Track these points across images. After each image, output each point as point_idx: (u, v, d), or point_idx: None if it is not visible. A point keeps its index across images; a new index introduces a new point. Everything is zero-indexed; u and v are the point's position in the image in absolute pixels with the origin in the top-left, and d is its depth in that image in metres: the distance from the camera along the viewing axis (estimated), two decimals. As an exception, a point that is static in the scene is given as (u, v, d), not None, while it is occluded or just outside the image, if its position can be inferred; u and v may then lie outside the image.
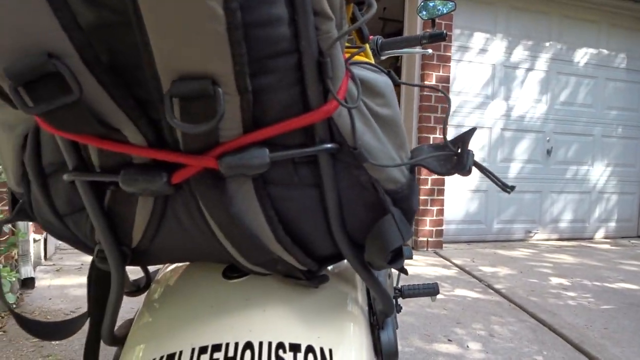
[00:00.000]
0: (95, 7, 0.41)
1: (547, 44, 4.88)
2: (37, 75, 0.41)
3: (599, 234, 5.30)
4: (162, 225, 0.59)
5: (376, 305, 0.75)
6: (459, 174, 0.57)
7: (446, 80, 4.36)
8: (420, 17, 1.44)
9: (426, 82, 4.28)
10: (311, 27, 0.45)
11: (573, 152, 5.08)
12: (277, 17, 0.43)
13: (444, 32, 1.32)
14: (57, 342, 2.05)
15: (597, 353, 2.18)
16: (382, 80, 0.57)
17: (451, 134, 4.53)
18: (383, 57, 1.39)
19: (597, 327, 2.53)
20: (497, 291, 3.12)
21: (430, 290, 1.41)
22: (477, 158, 4.67)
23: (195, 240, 0.60)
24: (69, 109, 0.44)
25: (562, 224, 5.13)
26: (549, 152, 4.95)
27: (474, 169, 0.57)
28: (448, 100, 0.60)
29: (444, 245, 4.46)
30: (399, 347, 2.16)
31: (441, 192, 4.42)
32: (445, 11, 1.43)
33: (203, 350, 0.54)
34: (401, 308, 1.43)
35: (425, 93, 4.32)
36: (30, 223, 2.79)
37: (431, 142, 4.30)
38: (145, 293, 0.77)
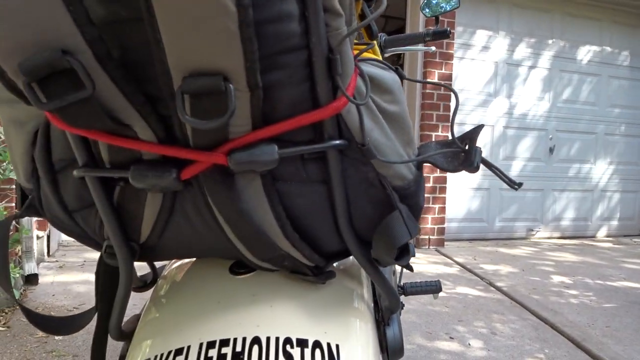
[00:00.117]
0: (107, 3, 0.42)
1: (550, 41, 4.87)
2: (50, 71, 0.42)
3: (601, 233, 5.30)
4: (170, 221, 0.59)
5: (382, 301, 0.76)
6: (466, 170, 0.57)
7: (448, 78, 4.35)
8: (423, 14, 1.44)
9: (430, 79, 4.27)
10: (321, 24, 0.45)
11: (575, 150, 5.07)
12: (287, 14, 0.43)
13: (448, 29, 1.32)
14: (60, 338, 2.06)
15: (599, 351, 2.18)
16: (390, 77, 0.57)
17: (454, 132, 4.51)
18: (386, 55, 1.39)
19: (599, 325, 2.53)
20: (499, 289, 3.12)
21: (432, 287, 1.41)
22: (479, 156, 4.64)
23: (203, 236, 0.60)
24: (82, 105, 0.44)
25: (564, 222, 5.13)
26: (551, 150, 4.94)
27: (481, 165, 0.58)
28: (456, 96, 0.60)
29: (445, 243, 4.46)
30: (401, 344, 2.16)
31: (443, 189, 4.42)
32: (448, 9, 1.43)
33: (211, 345, 0.55)
34: (403, 305, 1.43)
35: (427, 91, 4.31)
36: (34, 220, 2.80)
37: (433, 140, 4.30)
38: (152, 289, 0.77)
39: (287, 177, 0.55)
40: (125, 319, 0.72)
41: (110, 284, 0.71)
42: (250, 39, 0.41)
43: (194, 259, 0.76)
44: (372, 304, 0.74)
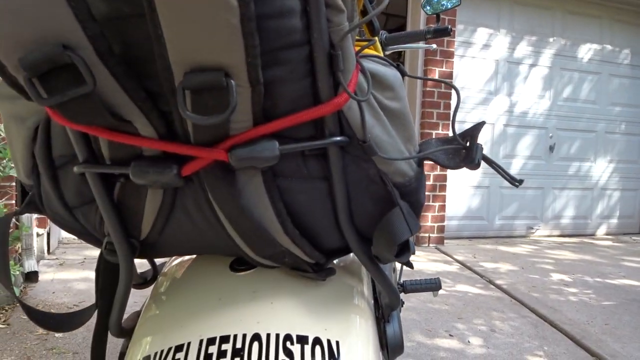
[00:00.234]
0: None
1: (551, 39, 4.87)
2: (51, 67, 0.41)
3: (601, 231, 5.30)
4: (171, 217, 0.59)
5: (382, 298, 0.76)
6: (467, 167, 0.57)
7: (449, 75, 4.35)
8: (424, 12, 1.44)
9: (431, 76, 4.27)
10: (323, 19, 0.45)
11: (576, 148, 5.07)
12: (289, 9, 0.43)
13: (449, 27, 1.31)
14: (60, 335, 2.06)
15: (598, 349, 2.18)
16: (391, 73, 0.57)
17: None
18: (387, 52, 1.38)
19: (598, 322, 2.54)
20: (499, 287, 3.12)
21: (432, 285, 1.41)
22: (479, 154, 4.65)
23: (204, 232, 0.60)
24: (82, 101, 0.44)
25: (564, 220, 5.13)
26: (551, 148, 4.94)
27: (482, 163, 0.58)
28: (457, 93, 0.60)
29: (445, 240, 4.46)
30: (401, 342, 2.16)
31: (443, 187, 4.42)
32: (449, 6, 1.42)
33: (211, 341, 0.55)
34: (403, 303, 1.43)
35: (428, 89, 4.31)
36: (34, 217, 2.80)
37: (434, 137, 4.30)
38: (152, 285, 0.77)
39: (288, 173, 0.55)
40: (126, 315, 0.72)
41: (110, 280, 0.71)
42: (252, 34, 0.41)
43: (194, 255, 0.76)
44: (372, 301, 0.74)
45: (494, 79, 4.69)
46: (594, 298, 2.96)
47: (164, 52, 0.42)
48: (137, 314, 0.74)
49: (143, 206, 0.58)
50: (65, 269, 3.06)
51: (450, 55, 4.34)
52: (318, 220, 0.58)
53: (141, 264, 0.70)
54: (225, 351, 0.53)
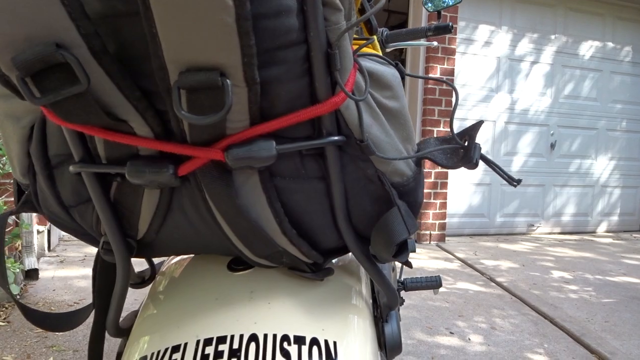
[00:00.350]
0: None
1: (553, 36, 4.85)
2: (44, 66, 0.41)
3: (602, 228, 5.30)
4: (168, 217, 0.59)
5: (380, 298, 0.75)
6: (465, 167, 0.56)
7: (451, 73, 4.34)
8: (425, 9, 1.43)
9: (430, 76, 4.26)
10: (320, 18, 0.45)
11: (577, 145, 5.06)
12: (286, 8, 0.42)
13: (450, 24, 1.30)
14: (60, 333, 2.06)
15: (598, 346, 2.18)
16: (390, 72, 0.56)
17: (455, 127, 4.50)
18: (388, 50, 1.38)
19: (598, 320, 2.54)
20: (499, 284, 3.12)
21: (432, 283, 1.41)
22: (480, 151, 4.64)
23: (201, 232, 0.60)
24: (76, 100, 0.43)
25: (565, 217, 5.12)
26: (552, 145, 4.93)
27: (480, 162, 0.57)
28: (455, 93, 0.60)
29: (446, 238, 4.46)
30: (401, 339, 2.17)
31: (444, 185, 4.42)
32: (451, 3, 1.41)
33: (208, 342, 0.55)
34: (404, 301, 1.43)
35: (429, 86, 4.30)
36: (34, 214, 2.80)
37: (435, 135, 4.30)
38: (150, 285, 0.77)
39: (285, 173, 0.54)
40: (123, 315, 0.72)
41: (107, 280, 0.70)
42: (248, 34, 0.40)
43: (192, 255, 0.76)
44: (371, 301, 0.74)
45: (496, 76, 4.68)
46: (594, 295, 2.96)
47: (159, 51, 0.41)
48: (134, 314, 0.73)
49: (140, 206, 0.57)
50: (65, 266, 3.06)
51: (452, 52, 4.33)
52: (315, 220, 0.58)
53: (141, 263, 0.70)
54: (222, 352, 0.53)
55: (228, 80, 0.42)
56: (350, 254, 0.65)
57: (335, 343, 0.56)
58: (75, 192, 0.59)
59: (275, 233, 0.57)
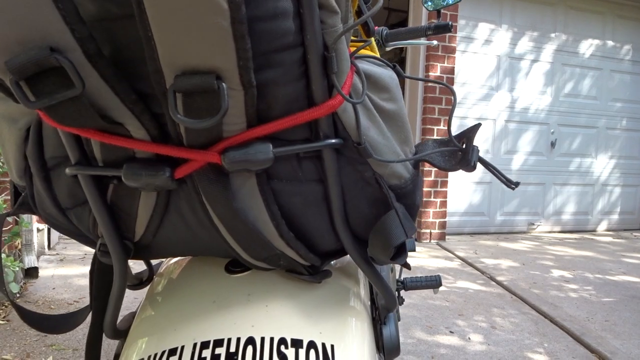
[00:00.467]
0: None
1: (553, 35, 4.84)
2: (39, 69, 0.41)
3: (602, 227, 5.30)
4: (164, 219, 0.58)
5: (378, 300, 0.75)
6: (463, 169, 0.56)
7: (451, 71, 4.33)
8: (425, 7, 1.43)
9: (430, 75, 4.26)
10: (317, 21, 0.44)
11: (577, 144, 5.06)
12: (282, 11, 0.42)
13: (449, 23, 1.30)
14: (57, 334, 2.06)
15: (598, 345, 2.18)
16: (387, 74, 0.56)
17: (455, 126, 4.51)
18: (388, 49, 1.38)
19: (598, 319, 2.53)
20: (499, 283, 3.12)
21: (432, 282, 1.41)
22: (480, 150, 4.67)
23: (198, 235, 0.60)
24: (71, 103, 0.43)
25: (565, 216, 5.12)
26: (552, 144, 4.93)
27: (478, 164, 0.57)
28: (453, 95, 0.60)
29: (447, 236, 4.46)
30: (401, 339, 2.17)
31: (444, 183, 4.42)
32: (451, 2, 1.41)
33: (205, 345, 0.54)
34: (403, 300, 1.43)
35: (429, 85, 4.30)
36: (34, 213, 2.80)
37: (435, 134, 4.30)
38: (148, 286, 0.77)
39: (282, 176, 0.54)
40: (121, 316, 0.72)
41: (104, 282, 0.70)
42: (243, 37, 0.40)
43: (190, 256, 0.76)
44: (369, 303, 0.74)
45: (496, 74, 4.67)
46: (594, 294, 2.96)
47: (155, 54, 0.41)
48: (132, 315, 0.73)
49: (137, 208, 0.57)
50: (65, 264, 3.07)
51: (452, 50, 4.33)
52: (313, 223, 0.58)
53: (140, 263, 0.70)
54: (219, 355, 0.53)
55: (224, 84, 0.42)
56: (348, 256, 0.65)
57: (332, 346, 0.56)
58: (71, 194, 0.59)
59: (273, 236, 0.57)
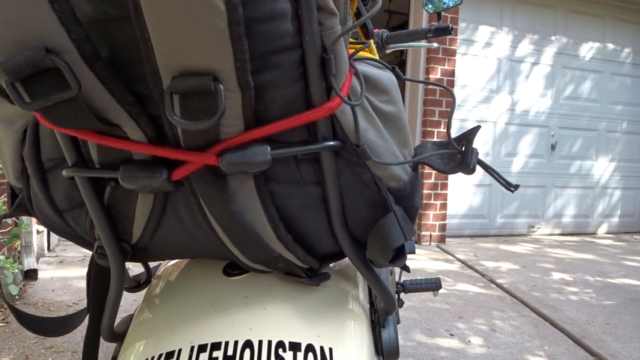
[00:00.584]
0: (94, 1, 0.41)
1: (553, 38, 4.84)
2: (34, 70, 0.41)
3: (602, 229, 5.29)
4: (162, 221, 0.58)
5: (377, 303, 0.75)
6: (463, 172, 0.56)
7: (451, 74, 4.33)
8: (426, 10, 1.43)
9: (431, 77, 4.26)
10: (315, 23, 0.44)
11: (577, 147, 5.05)
12: (280, 12, 0.42)
13: (450, 25, 1.30)
14: (54, 337, 2.05)
15: (598, 348, 2.17)
16: (386, 76, 0.56)
17: (455, 128, 4.51)
18: (388, 51, 1.38)
19: (599, 322, 2.53)
20: (499, 286, 3.11)
21: (432, 285, 1.41)
22: (481, 152, 4.66)
23: (196, 237, 0.60)
24: (67, 105, 0.43)
25: (565, 218, 5.11)
26: (553, 146, 4.92)
27: (477, 167, 0.57)
28: (453, 97, 0.59)
29: (447, 239, 4.46)
30: (401, 342, 2.16)
31: (444, 186, 4.41)
32: (451, 4, 1.41)
33: (202, 348, 0.54)
34: (403, 303, 1.42)
35: (429, 87, 4.29)
36: (33, 215, 2.79)
37: (435, 136, 4.30)
38: (146, 289, 0.76)
39: (280, 178, 0.54)
40: (119, 318, 0.71)
41: (102, 284, 0.70)
42: (240, 38, 0.40)
43: (188, 259, 0.75)
44: (368, 306, 0.73)
45: (496, 77, 4.67)
46: (594, 297, 2.95)
47: (151, 55, 0.41)
48: (129, 318, 0.73)
49: (134, 210, 0.57)
50: (65, 266, 3.06)
51: (453, 53, 4.33)
52: (311, 225, 0.57)
53: (136, 266, 0.70)
54: (217, 358, 0.53)
55: (221, 85, 0.42)
56: (347, 258, 0.65)
57: (331, 349, 0.56)
58: (68, 196, 0.59)
59: (271, 238, 0.56)
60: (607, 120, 5.13)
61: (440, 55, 4.28)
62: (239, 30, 0.39)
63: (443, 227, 4.43)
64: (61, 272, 2.93)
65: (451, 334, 2.29)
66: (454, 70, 4.35)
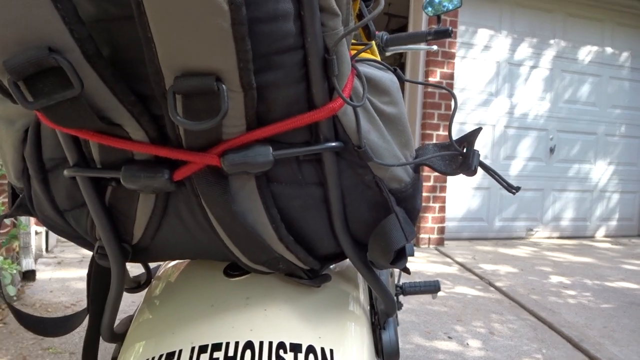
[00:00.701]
0: (97, 0, 0.41)
1: (552, 41, 4.85)
2: (37, 70, 0.40)
3: (600, 233, 5.29)
4: (163, 222, 0.58)
5: (378, 304, 0.75)
6: (464, 174, 0.56)
7: (450, 77, 4.34)
8: (425, 13, 1.43)
9: (430, 79, 4.26)
10: (317, 24, 0.44)
11: (576, 150, 5.06)
12: (283, 13, 0.42)
13: (450, 28, 1.30)
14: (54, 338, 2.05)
15: (596, 352, 2.17)
16: (388, 77, 0.56)
17: (454, 131, 4.50)
18: (388, 54, 1.38)
19: (597, 325, 2.53)
20: (498, 289, 3.11)
21: (431, 287, 1.41)
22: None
23: (197, 237, 0.60)
24: (70, 104, 0.43)
25: (564, 222, 5.12)
26: (551, 150, 4.93)
27: (478, 169, 0.57)
28: (454, 100, 0.59)
29: (445, 242, 4.46)
30: (400, 344, 2.16)
31: (443, 189, 4.41)
32: (451, 8, 1.41)
33: (203, 349, 0.54)
34: (402, 305, 1.42)
35: (429, 90, 4.30)
36: (32, 215, 2.79)
37: (434, 139, 4.30)
38: (146, 290, 0.76)
39: (282, 179, 0.54)
40: (118, 319, 0.71)
41: (102, 285, 0.70)
42: (243, 39, 0.40)
43: (188, 260, 0.75)
44: (368, 307, 0.73)
45: (495, 80, 4.68)
46: (592, 301, 2.95)
47: (154, 55, 0.41)
48: (129, 319, 0.73)
49: (135, 210, 0.57)
50: (63, 267, 3.05)
51: (452, 56, 4.33)
52: (312, 226, 0.57)
53: (136, 267, 0.69)
54: (217, 359, 0.53)
55: (224, 85, 0.42)
56: (347, 260, 0.65)
57: (332, 351, 0.56)
58: (69, 196, 0.58)
59: (272, 239, 0.56)
60: (606, 123, 5.14)
61: (439, 58, 4.29)
62: (242, 31, 0.39)
63: (442, 230, 4.43)
64: (59, 273, 2.92)
65: (449, 337, 2.29)
66: (453, 73, 4.35)
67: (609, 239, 5.22)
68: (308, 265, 0.61)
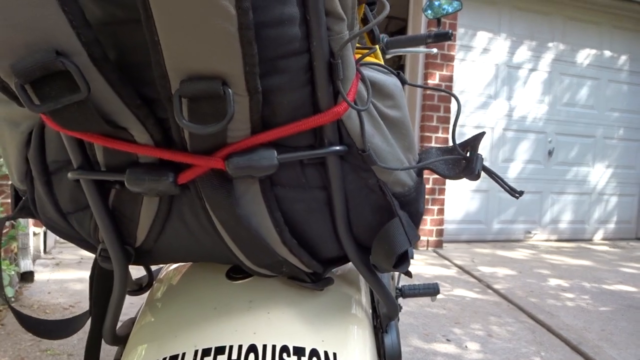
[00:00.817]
0: (104, 3, 0.41)
1: (550, 44, 4.87)
2: (44, 73, 0.40)
3: (598, 236, 5.30)
4: (167, 225, 0.58)
5: (380, 308, 0.75)
6: (467, 178, 0.56)
7: (449, 79, 4.35)
8: (425, 15, 1.43)
9: (429, 83, 4.27)
10: (323, 28, 0.44)
11: (574, 153, 5.07)
12: (289, 17, 0.42)
13: (450, 31, 1.31)
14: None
15: (595, 355, 2.18)
16: (391, 81, 0.56)
17: (452, 133, 4.51)
18: (388, 56, 1.38)
19: (595, 328, 2.53)
20: (496, 291, 3.11)
21: (430, 290, 1.41)
22: (478, 158, 4.65)
23: (200, 240, 0.59)
24: (76, 108, 0.43)
25: (562, 225, 5.13)
26: (550, 152, 4.94)
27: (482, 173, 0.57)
28: (458, 103, 0.60)
29: (444, 244, 4.46)
30: (398, 347, 2.16)
31: (442, 191, 4.42)
32: (451, 10, 1.41)
33: (206, 352, 0.54)
34: (401, 308, 1.42)
35: (428, 92, 4.31)
36: (30, 216, 2.78)
37: (433, 142, 4.30)
38: (148, 292, 0.76)
39: (286, 182, 0.54)
40: (121, 321, 0.71)
41: (104, 287, 0.70)
42: (250, 43, 0.40)
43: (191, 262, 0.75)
44: (371, 311, 0.73)
45: (494, 83, 4.69)
46: (591, 304, 2.95)
47: (161, 59, 0.41)
48: (131, 321, 0.73)
49: (138, 213, 0.57)
50: (61, 268, 3.05)
51: (451, 59, 4.34)
52: (316, 230, 0.58)
53: (138, 269, 0.69)
54: None
55: (230, 89, 0.42)
56: (350, 263, 0.65)
57: (335, 354, 0.56)
58: (73, 198, 0.58)
59: (276, 243, 0.56)
60: (604, 126, 5.16)
61: (438, 61, 4.30)
62: (249, 35, 0.39)
63: (440, 233, 4.43)
64: (57, 274, 2.91)
65: (448, 339, 2.29)
66: (452, 75, 4.36)
67: (607, 242, 5.23)
68: (311, 268, 0.61)
